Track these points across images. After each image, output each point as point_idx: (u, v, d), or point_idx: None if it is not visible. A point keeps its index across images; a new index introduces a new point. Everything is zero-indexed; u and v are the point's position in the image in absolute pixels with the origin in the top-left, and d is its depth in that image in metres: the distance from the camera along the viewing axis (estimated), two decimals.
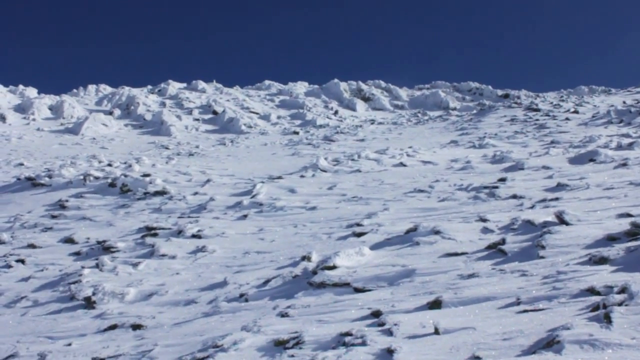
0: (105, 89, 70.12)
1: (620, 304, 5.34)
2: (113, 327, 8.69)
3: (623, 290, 5.72)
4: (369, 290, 8.13)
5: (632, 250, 7.29)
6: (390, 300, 7.33)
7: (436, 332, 5.66)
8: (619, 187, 13.57)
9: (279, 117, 59.29)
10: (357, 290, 8.25)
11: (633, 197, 11.93)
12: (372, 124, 50.26)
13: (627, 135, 25.70)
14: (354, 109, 68.25)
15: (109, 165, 27.20)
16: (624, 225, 8.70)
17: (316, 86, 78.95)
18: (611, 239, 8.21)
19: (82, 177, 22.08)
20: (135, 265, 12.09)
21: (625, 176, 15.06)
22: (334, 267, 9.22)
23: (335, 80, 77.84)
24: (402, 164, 21.69)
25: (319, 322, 6.89)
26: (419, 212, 13.76)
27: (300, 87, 78.46)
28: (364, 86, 79.18)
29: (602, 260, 7.24)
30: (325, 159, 23.67)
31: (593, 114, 36.77)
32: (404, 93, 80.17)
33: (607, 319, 5.02)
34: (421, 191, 16.26)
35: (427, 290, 7.49)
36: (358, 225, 12.90)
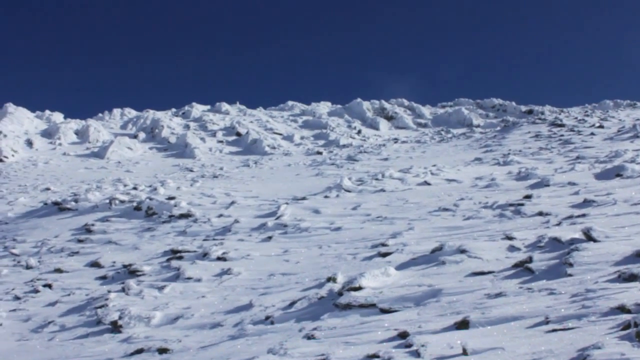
0: (130, 112, 70.70)
1: None
2: (139, 352, 8.70)
3: None
4: (396, 311, 8.08)
5: None
6: (417, 321, 7.27)
7: (464, 352, 5.60)
8: None
9: (302, 138, 59.38)
10: (384, 311, 8.20)
11: None
12: (395, 142, 50.20)
13: None
14: (377, 128, 68.20)
15: (134, 188, 27.37)
16: None
17: (339, 106, 79.00)
18: None
19: (107, 201, 22.24)
20: (161, 288, 12.13)
21: None
22: (359, 288, 9.17)
23: (358, 99, 77.88)
24: (426, 183, 21.60)
25: (346, 344, 6.84)
26: (444, 231, 13.68)
27: (323, 107, 78.57)
28: (386, 105, 79.15)
29: (632, 277, 7.13)
30: (349, 179, 23.64)
31: (619, 128, 36.44)
32: (427, 111, 80.00)
33: (638, 338, 4.94)
34: (446, 210, 16.17)
35: (454, 310, 7.42)
36: (383, 245, 12.84)
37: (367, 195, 20.36)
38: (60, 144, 53.29)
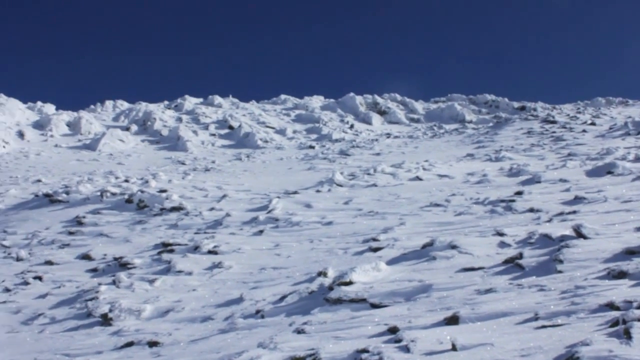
0: (122, 104, 70.45)
1: None
2: (130, 344, 8.70)
3: None
4: (386, 306, 8.10)
5: None
6: (407, 316, 7.29)
7: (453, 348, 5.62)
8: (637, 199, 13.45)
9: (294, 132, 59.32)
10: (374, 306, 8.22)
11: None
12: (388, 137, 50.22)
13: None
14: (369, 123, 68.20)
15: (126, 181, 27.32)
16: None
17: (332, 100, 78.94)
18: (630, 253, 8.13)
19: (99, 193, 22.19)
20: (151, 281, 12.12)
21: None
22: (350, 283, 9.18)
23: (351, 94, 77.82)
24: (418, 178, 21.62)
25: (336, 339, 6.86)
26: (435, 226, 13.70)
27: (316, 101, 78.51)
28: (379, 99, 79.11)
29: (621, 275, 7.17)
30: (341, 173, 23.65)
31: (610, 125, 36.56)
32: (419, 106, 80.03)
33: (627, 335, 4.96)
34: (437, 205, 16.20)
35: (444, 306, 7.44)
36: (374, 240, 12.86)
37: (359, 190, 20.38)
38: (52, 136, 53.10)
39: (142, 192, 21.37)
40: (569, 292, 6.93)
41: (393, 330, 6.74)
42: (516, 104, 79.79)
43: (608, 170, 18.62)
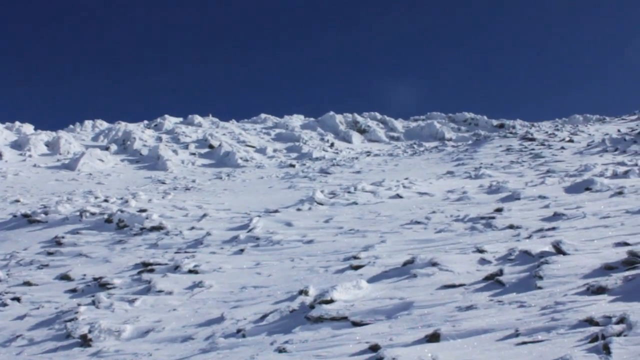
0: (102, 124, 70.22)
1: (619, 335, 5.31)
2: None
3: (622, 320, 5.70)
4: (367, 324, 8.08)
5: (630, 280, 7.27)
6: (389, 334, 7.28)
7: None
8: (615, 215, 13.57)
9: (275, 151, 59.38)
10: (355, 324, 8.20)
11: (630, 226, 11.93)
12: (368, 155, 50.37)
13: (623, 164, 25.76)
14: (349, 141, 68.45)
15: (106, 200, 27.18)
16: (621, 254, 8.68)
17: (312, 119, 79.24)
18: (609, 268, 8.19)
19: (78, 213, 22.05)
20: (131, 301, 12.02)
21: (621, 204, 15.07)
22: (331, 301, 9.17)
23: (331, 112, 78.12)
24: (398, 196, 21.68)
25: (317, 357, 6.84)
26: (416, 243, 13.73)
27: (296, 120, 78.71)
28: (359, 118, 79.49)
29: (600, 290, 7.21)
30: (322, 192, 23.66)
31: (588, 142, 36.94)
32: (399, 124, 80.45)
33: (606, 350, 5.00)
34: (418, 223, 16.25)
35: (425, 323, 7.44)
36: (355, 258, 12.85)
37: (340, 208, 20.39)
38: (30, 156, 52.74)
39: (121, 211, 21.26)
40: (548, 308, 6.96)
41: (374, 348, 6.73)
42: (495, 122, 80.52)
43: (586, 186, 18.79)
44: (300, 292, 10.33)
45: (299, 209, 20.77)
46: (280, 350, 7.54)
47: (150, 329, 10.14)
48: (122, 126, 65.56)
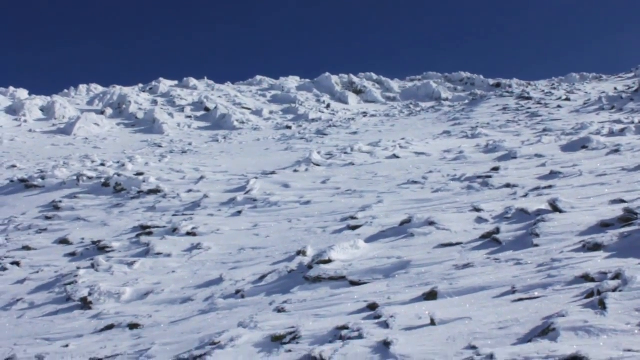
0: (97, 88, 69.81)
1: (614, 290, 5.36)
2: (110, 327, 8.69)
3: (617, 276, 5.74)
4: (365, 283, 8.15)
5: (625, 236, 7.31)
6: (386, 293, 7.34)
7: (432, 323, 5.67)
8: (611, 173, 13.60)
9: (271, 112, 59.20)
10: (353, 284, 8.27)
11: (626, 183, 11.96)
12: (364, 116, 50.25)
13: (619, 122, 25.72)
14: (346, 102, 68.22)
15: (102, 165, 27.16)
16: (617, 211, 8.72)
17: (308, 80, 78.83)
18: (605, 226, 8.24)
19: (75, 177, 22.03)
20: (130, 264, 12.08)
21: (617, 162, 15.09)
22: (329, 261, 9.22)
23: (327, 73, 77.75)
24: (395, 156, 21.68)
25: (316, 317, 6.90)
26: (413, 203, 13.76)
27: (291, 82, 78.34)
28: (355, 79, 79.11)
29: (596, 247, 7.26)
30: (319, 153, 23.65)
31: (585, 101, 36.84)
32: (395, 85, 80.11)
33: (601, 305, 5.04)
34: (415, 182, 16.27)
35: (422, 282, 7.50)
36: (352, 218, 12.89)
37: (337, 169, 20.39)
38: (25, 121, 52.56)
39: (118, 175, 21.24)
40: (545, 265, 7.01)
41: (372, 306, 6.79)
42: (491, 81, 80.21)
43: (583, 144, 18.79)
44: (298, 253, 10.38)
45: (295, 171, 20.77)
46: (279, 310, 7.60)
47: (149, 291, 10.21)
48: (117, 90, 65.24)
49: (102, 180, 21.16)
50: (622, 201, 9.78)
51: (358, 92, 74.20)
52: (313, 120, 52.86)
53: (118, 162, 27.10)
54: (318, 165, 21.36)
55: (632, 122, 23.92)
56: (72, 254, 13.86)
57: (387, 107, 62.86)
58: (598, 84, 48.57)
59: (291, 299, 8.06)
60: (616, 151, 16.94)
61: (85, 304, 10.02)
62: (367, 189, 16.35)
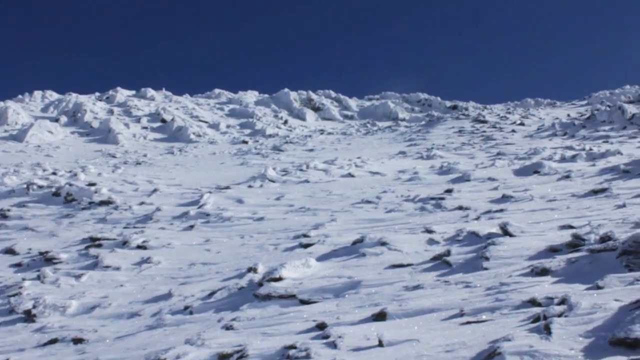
0: (52, 95, 68.79)
1: (560, 315, 5.40)
2: (53, 342, 8.50)
3: (563, 301, 5.79)
4: (315, 302, 8.11)
5: (572, 262, 7.41)
6: (336, 312, 7.31)
7: (380, 344, 5.65)
8: (561, 198, 13.81)
9: (228, 126, 58.95)
10: (303, 302, 8.22)
11: (575, 209, 12.16)
12: (321, 134, 50.36)
13: (571, 148, 26.19)
14: (303, 119, 68.28)
15: (54, 173, 26.72)
16: (566, 236, 8.84)
17: (266, 95, 78.79)
18: (553, 250, 8.34)
19: (25, 185, 21.65)
20: (78, 277, 11.87)
21: (567, 188, 15.35)
22: (280, 279, 9.17)
23: (286, 89, 77.78)
24: (350, 175, 21.75)
25: (264, 335, 6.84)
26: (366, 223, 13.79)
27: (250, 96, 78.21)
28: (314, 96, 79.28)
29: (544, 272, 7.33)
30: (274, 169, 23.62)
31: (538, 126, 37.49)
32: (353, 103, 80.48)
33: (547, 330, 5.07)
34: (369, 202, 16.33)
35: (372, 302, 7.49)
36: (305, 236, 12.87)
37: (291, 186, 20.38)
38: None
39: (70, 185, 20.93)
40: (493, 288, 7.06)
41: (321, 326, 6.75)
42: (448, 103, 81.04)
43: (535, 169, 19.09)
44: (249, 270, 10.31)
45: (250, 186, 20.70)
46: (228, 328, 7.52)
47: (96, 305, 10.03)
48: (73, 98, 64.35)
49: (53, 189, 20.83)
50: (571, 227, 9.92)
51: (316, 109, 74.35)
52: (270, 135, 52.78)
53: (70, 172, 26.69)
54: (273, 181, 21.32)
55: (583, 149, 24.37)
56: (18, 265, 13.57)
57: (345, 125, 63.08)
58: (552, 110, 49.46)
59: (240, 316, 7.99)
60: (567, 177, 17.24)
61: (29, 317, 9.80)
62: (321, 207, 16.36)
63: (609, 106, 42.47)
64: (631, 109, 36.76)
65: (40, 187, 21.47)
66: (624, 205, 11.81)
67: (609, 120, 35.91)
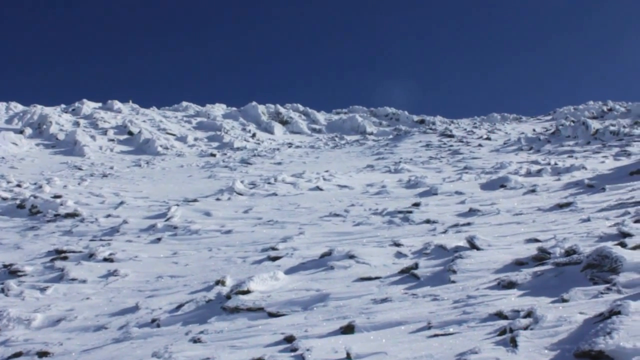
0: (16, 107, 67.97)
1: (526, 328, 5.47)
2: (17, 355, 8.39)
3: (529, 314, 5.87)
4: (283, 315, 8.10)
5: (538, 275, 7.50)
6: (304, 325, 7.32)
7: (348, 357, 5.67)
8: (527, 212, 13.97)
9: (196, 139, 58.70)
10: (271, 315, 8.21)
11: (540, 223, 12.31)
12: (289, 147, 50.38)
13: (536, 162, 26.52)
14: (271, 132, 68.27)
15: (18, 185, 26.39)
16: (532, 250, 8.96)
17: (234, 108, 78.65)
18: (519, 264, 8.43)
19: None
20: (43, 289, 11.73)
21: (533, 202, 15.53)
22: (248, 292, 9.15)
23: (254, 103, 77.71)
24: (318, 188, 21.78)
25: (232, 348, 6.82)
26: (334, 236, 13.82)
27: (218, 109, 78.04)
28: (282, 109, 79.32)
29: (510, 285, 7.41)
30: (242, 182, 23.58)
31: (505, 141, 37.90)
32: (321, 117, 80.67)
33: (513, 343, 5.13)
34: (337, 215, 16.36)
35: (340, 315, 7.50)
36: (273, 249, 12.87)
37: (259, 199, 20.36)
38: None
39: (35, 197, 20.69)
40: (461, 301, 7.12)
41: (289, 339, 6.75)
42: (416, 118, 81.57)
43: (501, 183, 19.29)
44: (217, 282, 10.28)
45: (218, 199, 20.64)
46: (195, 341, 7.48)
47: (61, 318, 9.91)
48: (38, 109, 63.63)
49: (17, 201, 20.58)
50: (537, 240, 10.06)
51: (284, 122, 74.39)
52: (238, 148, 52.66)
53: (35, 184, 26.40)
54: (241, 194, 21.28)
55: (549, 164, 24.69)
56: None
57: (313, 139, 63.16)
58: (518, 124, 50.05)
59: (208, 329, 7.95)
60: (533, 191, 17.45)
61: None
62: (289, 220, 16.37)
63: (573, 121, 43.18)
64: (595, 124, 37.41)
65: (5, 199, 21.22)
66: (588, 219, 11.99)
67: (573, 135, 36.44)
